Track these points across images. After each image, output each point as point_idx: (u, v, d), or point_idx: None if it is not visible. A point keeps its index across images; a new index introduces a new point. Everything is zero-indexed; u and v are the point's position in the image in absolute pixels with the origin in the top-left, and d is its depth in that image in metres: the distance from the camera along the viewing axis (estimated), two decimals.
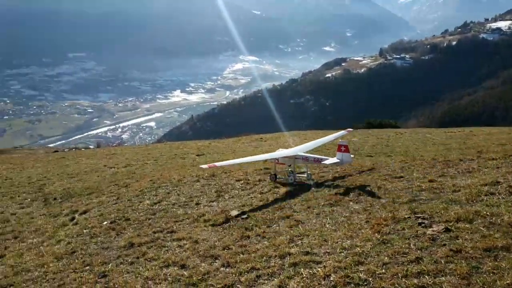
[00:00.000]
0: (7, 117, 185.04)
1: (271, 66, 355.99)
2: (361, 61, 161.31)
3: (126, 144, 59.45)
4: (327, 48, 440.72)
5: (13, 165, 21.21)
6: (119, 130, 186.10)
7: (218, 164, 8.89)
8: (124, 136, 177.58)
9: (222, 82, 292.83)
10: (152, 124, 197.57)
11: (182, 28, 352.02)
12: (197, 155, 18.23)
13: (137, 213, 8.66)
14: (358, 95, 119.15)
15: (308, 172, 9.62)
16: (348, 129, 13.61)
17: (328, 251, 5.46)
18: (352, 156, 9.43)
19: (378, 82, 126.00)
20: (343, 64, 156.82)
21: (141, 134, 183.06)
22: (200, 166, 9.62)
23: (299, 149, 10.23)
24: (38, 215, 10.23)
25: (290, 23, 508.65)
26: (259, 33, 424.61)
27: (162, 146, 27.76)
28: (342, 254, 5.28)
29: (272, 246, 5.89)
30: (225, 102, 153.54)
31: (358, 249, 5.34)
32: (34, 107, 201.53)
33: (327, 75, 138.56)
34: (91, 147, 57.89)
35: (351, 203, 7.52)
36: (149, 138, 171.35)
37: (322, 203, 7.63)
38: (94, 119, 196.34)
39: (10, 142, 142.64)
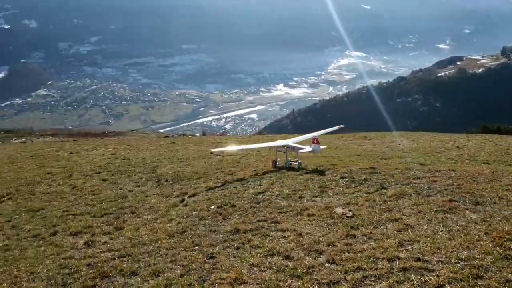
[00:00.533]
0: (125, 102, 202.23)
1: (379, 63, 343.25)
2: (479, 60, 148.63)
3: (228, 134, 61.79)
4: (441, 46, 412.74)
5: (130, 147, 23.09)
6: (223, 120, 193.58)
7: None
8: (227, 126, 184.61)
9: (326, 78, 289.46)
10: (254, 116, 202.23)
11: (289, 23, 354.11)
12: None
13: (242, 201, 8.91)
14: (472, 97, 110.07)
15: (299, 161, 12.28)
16: (341, 125, 16.08)
17: (441, 260, 5.13)
18: (322, 147, 12.59)
19: (497, 84, 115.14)
20: (458, 63, 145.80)
21: (243, 125, 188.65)
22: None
23: (291, 141, 13.36)
24: (151, 194, 11.02)
25: (402, 19, 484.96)
26: (368, 28, 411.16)
27: (264, 138, 28.38)
28: (458, 265, 4.93)
29: (380, 248, 5.69)
30: (327, 98, 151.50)
31: (477, 261, 4.94)
32: (149, 94, 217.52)
33: (440, 74, 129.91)
34: (197, 134, 61.12)
35: (467, 211, 6.99)
36: (250, 130, 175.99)
37: (435, 209, 7.19)
38: (201, 109, 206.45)
39: (126, 125, 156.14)
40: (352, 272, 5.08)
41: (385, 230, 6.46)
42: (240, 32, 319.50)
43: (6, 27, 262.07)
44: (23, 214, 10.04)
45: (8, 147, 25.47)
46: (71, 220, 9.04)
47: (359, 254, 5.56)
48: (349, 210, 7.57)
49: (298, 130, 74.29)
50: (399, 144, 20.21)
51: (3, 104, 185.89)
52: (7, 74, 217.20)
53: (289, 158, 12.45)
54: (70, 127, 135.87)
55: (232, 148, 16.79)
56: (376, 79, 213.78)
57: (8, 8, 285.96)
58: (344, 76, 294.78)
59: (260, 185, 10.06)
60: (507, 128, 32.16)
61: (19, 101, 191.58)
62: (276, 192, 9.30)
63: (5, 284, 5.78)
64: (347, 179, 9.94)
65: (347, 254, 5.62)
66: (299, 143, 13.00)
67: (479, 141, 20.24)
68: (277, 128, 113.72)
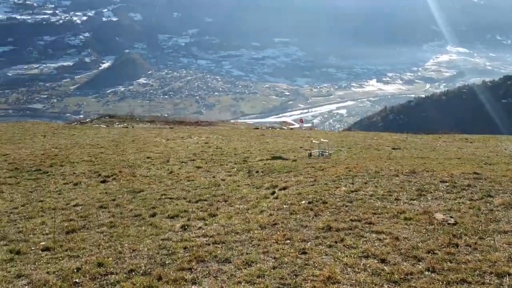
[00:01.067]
0: (217, 93, 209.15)
1: (484, 60, 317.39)
2: None
3: (316, 129, 61.06)
4: None
5: (222, 137, 23.82)
6: (311, 114, 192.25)
7: None
8: (315, 120, 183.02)
9: (423, 74, 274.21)
10: (343, 111, 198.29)
11: (384, 16, 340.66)
12: (393, 149, 17.54)
13: (334, 198, 8.72)
14: None
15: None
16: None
17: None
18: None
19: None
20: None
21: (331, 121, 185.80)
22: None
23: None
24: (243, 184, 11.25)
25: None
26: (473, 22, 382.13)
27: (354, 134, 27.67)
28: None
29: (487, 261, 5.24)
30: (423, 96, 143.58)
31: None
32: (240, 86, 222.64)
33: None
34: (284, 128, 61.29)
35: None
36: (339, 125, 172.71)
37: None
38: (290, 102, 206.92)
39: (217, 115, 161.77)
40: (455, 283, 4.74)
41: (492, 242, 5.94)
42: (334, 26, 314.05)
43: (114, 19, 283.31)
44: (126, 194, 10.81)
45: (112, 131, 27.53)
46: (168, 204, 9.54)
47: (462, 265, 5.17)
48: (451, 217, 7.06)
49: (390, 128, 71.36)
50: (505, 149, 18.56)
51: (108, 91, 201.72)
52: (113, 63, 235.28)
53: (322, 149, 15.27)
54: (166, 115, 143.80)
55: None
56: (479, 77, 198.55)
57: (116, 2, 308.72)
58: (443, 73, 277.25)
59: (352, 183, 9.79)
60: None
61: (122, 89, 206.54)
62: (370, 192, 8.97)
63: (111, 259, 6.22)
64: (447, 184, 9.28)
65: (449, 264, 5.26)
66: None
67: None
68: (367, 125, 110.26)
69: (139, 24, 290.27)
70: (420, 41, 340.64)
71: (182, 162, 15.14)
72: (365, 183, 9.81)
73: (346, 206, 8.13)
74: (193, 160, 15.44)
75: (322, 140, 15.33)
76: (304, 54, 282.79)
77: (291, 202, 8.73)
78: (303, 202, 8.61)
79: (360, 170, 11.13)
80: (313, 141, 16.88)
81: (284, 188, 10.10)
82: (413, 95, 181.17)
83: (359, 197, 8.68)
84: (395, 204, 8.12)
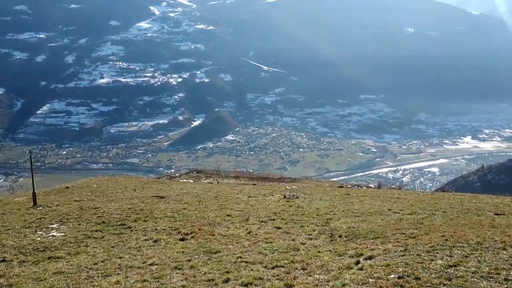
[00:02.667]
0: (302, 149, 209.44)
1: None
2: None
3: (406, 188, 57.73)
4: None
5: (304, 195, 23.12)
6: (400, 172, 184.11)
7: None
8: (405, 179, 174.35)
9: None
10: (435, 170, 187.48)
11: (478, 69, 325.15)
12: (496, 214, 15.60)
13: (428, 273, 7.61)
14: None
15: None
16: None
17: None
18: None
19: None
20: None
21: (422, 179, 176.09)
22: None
23: None
24: (324, 250, 10.42)
25: None
26: None
27: (450, 196, 25.36)
28: None
29: None
30: None
31: None
32: (325, 143, 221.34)
33: None
34: (371, 185, 58.79)
35: None
36: (430, 184, 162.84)
37: None
38: (377, 159, 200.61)
39: (301, 172, 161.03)
40: None
41: None
42: (422, 81, 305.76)
43: (206, 80, 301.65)
44: (202, 254, 10.49)
45: (197, 186, 28.07)
46: (244, 268, 9.02)
47: None
48: None
49: (489, 189, 65.39)
50: None
51: (198, 147, 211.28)
52: (203, 121, 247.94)
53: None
54: (251, 170, 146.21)
55: None
56: None
57: (208, 64, 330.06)
58: None
59: (450, 256, 8.56)
60: None
61: (211, 145, 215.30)
62: (472, 268, 7.72)
63: None
64: None
65: None
66: None
67: None
68: (462, 185, 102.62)
69: (229, 84, 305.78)
70: None
71: (262, 221, 14.67)
72: (466, 256, 8.53)
73: (445, 284, 7.00)
74: (273, 219, 14.92)
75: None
76: (391, 111, 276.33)
77: (378, 275, 7.77)
78: (392, 276, 7.62)
79: (459, 240, 9.81)
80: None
81: (370, 258, 9.13)
82: None
83: (460, 274, 7.48)
84: (505, 285, 6.82)
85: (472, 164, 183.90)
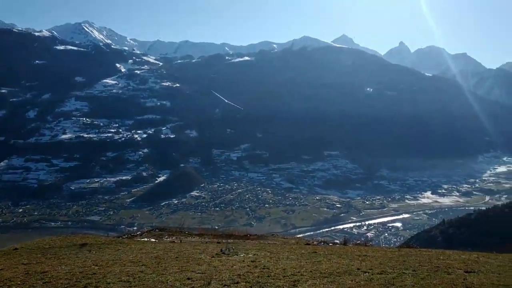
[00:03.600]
0: (268, 205, 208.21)
1: None
2: None
3: (371, 243, 57.45)
4: None
5: (270, 254, 22.17)
6: (365, 227, 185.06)
7: None
8: (369, 234, 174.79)
9: (481, 186, 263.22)
10: (398, 224, 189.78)
11: (436, 127, 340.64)
12: (466, 272, 15.23)
13: None
14: None
15: None
16: None
17: None
18: None
19: None
20: None
21: (386, 234, 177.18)
22: None
23: None
24: None
25: None
26: None
27: (417, 253, 25.02)
28: None
29: None
30: (484, 208, 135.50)
31: None
32: (290, 198, 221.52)
33: None
34: (337, 241, 58.18)
35: None
36: (394, 239, 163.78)
37: None
38: (342, 214, 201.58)
39: (267, 228, 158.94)
40: None
41: None
42: (382, 138, 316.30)
43: (172, 136, 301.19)
44: None
45: (158, 246, 26.59)
46: None
47: None
48: None
49: (451, 243, 66.08)
50: None
51: (162, 203, 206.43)
52: (168, 177, 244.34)
53: None
54: (216, 227, 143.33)
55: None
56: None
57: (174, 120, 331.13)
58: (503, 185, 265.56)
59: None
60: None
61: (175, 201, 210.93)
62: None
63: None
64: None
65: None
66: None
67: None
68: (425, 239, 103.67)
69: (195, 140, 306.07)
70: (475, 152, 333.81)
71: (225, 285, 13.68)
72: None
73: None
74: (237, 283, 13.95)
75: None
76: (354, 166, 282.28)
77: None
78: None
79: None
80: None
81: None
82: (472, 208, 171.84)
83: None
84: None
85: (434, 219, 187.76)
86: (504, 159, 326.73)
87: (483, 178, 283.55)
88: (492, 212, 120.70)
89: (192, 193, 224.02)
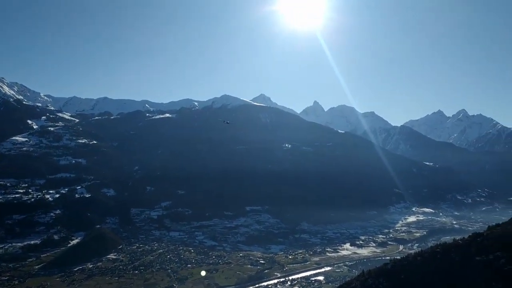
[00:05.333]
0: (190, 265, 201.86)
1: (450, 219, 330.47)
2: None
3: None
4: None
5: None
6: (288, 283, 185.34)
7: None
8: None
9: (395, 236, 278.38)
10: (321, 278, 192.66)
11: (350, 182, 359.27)
12: None
13: None
14: None
15: None
16: None
17: None
18: None
19: None
20: None
21: None
22: None
23: None
24: None
25: (468, 173, 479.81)
26: (433, 184, 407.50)
27: None
28: None
29: None
30: (398, 257, 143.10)
31: None
32: (213, 256, 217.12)
33: None
34: None
35: None
36: None
37: None
38: (265, 271, 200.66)
39: None
40: None
41: None
42: (303, 192, 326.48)
43: (87, 196, 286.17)
44: None
45: None
46: None
47: None
48: None
49: None
50: None
51: (75, 269, 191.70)
52: (82, 239, 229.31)
53: None
54: None
55: None
56: (449, 236, 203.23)
57: (90, 179, 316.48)
58: (414, 234, 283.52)
59: None
60: None
61: (90, 266, 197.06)
62: None
63: None
64: None
65: None
66: None
67: None
68: None
69: (112, 199, 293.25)
70: (387, 204, 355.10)
71: None
72: None
73: None
74: None
75: None
76: (276, 221, 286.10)
77: None
78: None
79: None
80: None
81: None
82: (388, 258, 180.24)
83: None
84: None
85: (354, 270, 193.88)
86: (413, 209, 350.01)
87: (396, 228, 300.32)
88: (406, 261, 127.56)
89: (108, 256, 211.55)
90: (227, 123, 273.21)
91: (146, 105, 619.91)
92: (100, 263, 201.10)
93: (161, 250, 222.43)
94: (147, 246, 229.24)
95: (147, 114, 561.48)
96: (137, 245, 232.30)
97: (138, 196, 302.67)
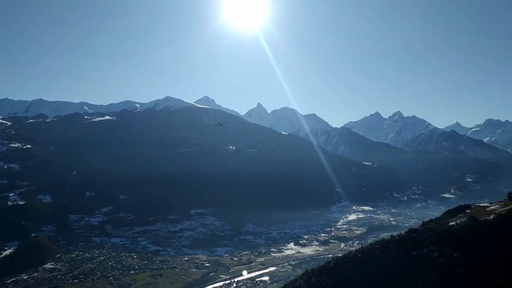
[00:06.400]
0: (133, 271, 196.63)
1: (387, 216, 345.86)
2: (488, 207, 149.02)
3: None
4: (446, 195, 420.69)
5: None
6: (234, 285, 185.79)
7: None
8: None
9: (336, 234, 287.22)
10: (266, 278, 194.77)
11: (293, 182, 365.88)
12: None
13: None
14: (489, 246, 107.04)
15: None
16: None
17: None
18: None
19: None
20: (467, 211, 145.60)
21: None
22: None
23: None
24: None
25: (404, 172, 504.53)
26: (371, 183, 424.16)
27: None
28: None
29: None
30: (340, 255, 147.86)
31: None
32: (157, 262, 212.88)
33: (451, 223, 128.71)
34: None
35: None
36: None
37: None
38: (211, 274, 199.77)
39: None
40: None
41: None
42: (247, 193, 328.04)
43: (21, 203, 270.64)
44: None
45: None
46: None
47: None
48: None
49: None
50: None
51: (8, 281, 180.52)
52: (16, 249, 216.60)
53: None
54: None
55: None
56: (387, 232, 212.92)
57: (24, 185, 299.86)
58: (354, 231, 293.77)
59: None
60: None
61: (25, 277, 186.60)
62: None
63: None
64: None
65: None
66: None
67: None
68: None
69: (49, 206, 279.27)
70: (328, 203, 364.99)
71: None
72: None
73: None
74: None
75: None
76: (221, 224, 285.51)
77: None
78: None
79: None
80: None
81: None
82: (330, 255, 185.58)
83: None
84: None
85: (298, 269, 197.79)
86: (354, 208, 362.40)
87: (338, 226, 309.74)
88: (347, 258, 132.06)
89: (45, 265, 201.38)
90: (221, 125, 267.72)
91: (85, 107, 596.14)
92: (36, 274, 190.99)
93: (102, 257, 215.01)
94: (87, 254, 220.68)
95: (86, 117, 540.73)
96: (77, 253, 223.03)
97: (77, 202, 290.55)
